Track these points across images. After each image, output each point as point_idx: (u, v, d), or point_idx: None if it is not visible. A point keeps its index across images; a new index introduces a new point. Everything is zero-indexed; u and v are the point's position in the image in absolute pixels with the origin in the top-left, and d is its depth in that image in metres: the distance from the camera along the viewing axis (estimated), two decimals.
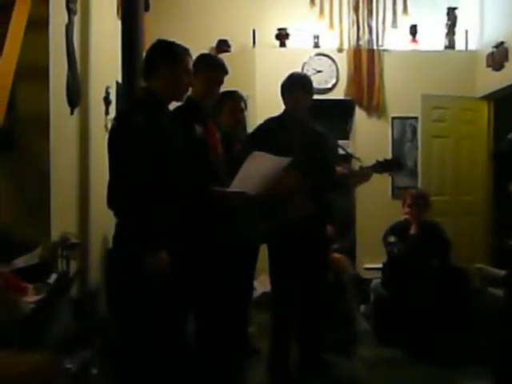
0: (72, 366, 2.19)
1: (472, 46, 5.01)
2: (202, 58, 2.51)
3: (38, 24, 2.55)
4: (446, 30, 5.06)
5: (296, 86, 2.77)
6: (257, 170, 2.30)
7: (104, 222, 2.26)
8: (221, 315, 2.40)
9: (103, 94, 3.65)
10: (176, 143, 2.07)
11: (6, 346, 1.86)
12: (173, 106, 2.30)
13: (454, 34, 5.04)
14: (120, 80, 3.58)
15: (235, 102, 3.07)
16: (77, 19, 3.03)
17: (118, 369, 2.05)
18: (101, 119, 3.58)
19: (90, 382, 2.29)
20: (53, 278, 2.35)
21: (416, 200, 3.68)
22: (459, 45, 5.05)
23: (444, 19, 5.05)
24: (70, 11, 2.91)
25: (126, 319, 1.95)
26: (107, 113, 3.69)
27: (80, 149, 3.14)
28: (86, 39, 3.22)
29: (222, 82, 2.48)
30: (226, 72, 2.49)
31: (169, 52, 2.08)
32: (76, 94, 2.98)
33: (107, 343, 2.39)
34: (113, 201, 1.95)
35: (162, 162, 1.94)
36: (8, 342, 1.89)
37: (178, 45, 2.13)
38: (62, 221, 2.72)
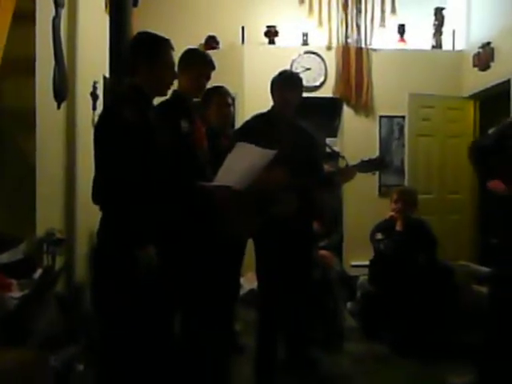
0: (57, 362, 2.17)
1: (459, 46, 5.06)
2: (190, 52, 2.49)
3: (25, 17, 2.52)
4: (433, 30, 5.11)
5: (286, 84, 2.77)
6: (241, 161, 2.29)
7: (90, 217, 2.24)
8: (207, 312, 2.40)
9: (90, 89, 3.62)
10: (162, 138, 2.05)
11: None
12: (158, 100, 2.27)
13: (441, 34, 5.09)
14: (107, 75, 3.55)
15: (222, 97, 3.06)
16: (64, 12, 3.00)
17: (103, 365, 2.03)
18: (88, 114, 3.55)
19: (75, 379, 2.27)
20: (38, 273, 2.33)
21: (402, 196, 3.71)
22: (446, 45, 5.11)
23: (431, 19, 5.10)
24: (57, 4, 2.88)
25: (112, 315, 1.93)
26: (94, 107, 3.66)
27: (67, 143, 3.11)
28: (73, 33, 3.19)
29: (209, 77, 2.47)
30: (213, 67, 2.47)
31: (149, 45, 2.04)
32: (63, 89, 2.95)
33: (93, 339, 2.37)
34: (99, 195, 1.93)
35: (149, 157, 1.93)
36: None
37: (159, 37, 2.08)
38: (47, 216, 2.69)
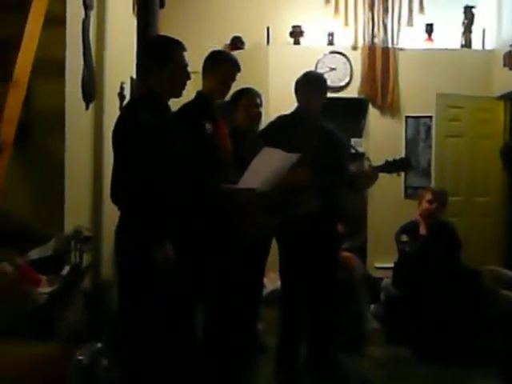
0: (83, 357, 2.23)
1: (489, 45, 4.95)
2: (216, 54, 2.51)
3: (55, 20, 2.58)
4: (462, 29, 5.00)
5: (310, 85, 2.77)
6: (266, 165, 2.31)
7: (116, 216, 2.29)
8: (230, 311, 2.41)
9: (118, 90, 3.68)
10: (180, 139, 2.07)
11: (19, 336, 1.90)
12: (180, 102, 2.29)
13: (470, 32, 4.98)
14: (135, 76, 3.61)
15: (250, 98, 3.06)
16: (93, 15, 3.06)
17: (127, 361, 2.07)
18: (115, 114, 3.56)
19: (100, 373, 2.32)
20: (66, 270, 2.39)
21: (438, 197, 3.66)
22: (476, 44, 4.99)
23: (461, 18, 4.99)
24: (87, 7, 2.94)
25: (134, 312, 1.97)
26: (121, 108, 3.72)
27: (94, 143, 3.18)
28: (101, 35, 3.25)
29: (234, 78, 2.48)
30: (239, 69, 2.48)
31: (160, 48, 2.07)
32: (91, 90, 3.01)
33: (118, 335, 2.42)
34: (118, 195, 1.98)
35: (166, 157, 1.95)
36: (22, 333, 1.93)
37: (170, 39, 2.10)
38: (75, 214, 2.76)
